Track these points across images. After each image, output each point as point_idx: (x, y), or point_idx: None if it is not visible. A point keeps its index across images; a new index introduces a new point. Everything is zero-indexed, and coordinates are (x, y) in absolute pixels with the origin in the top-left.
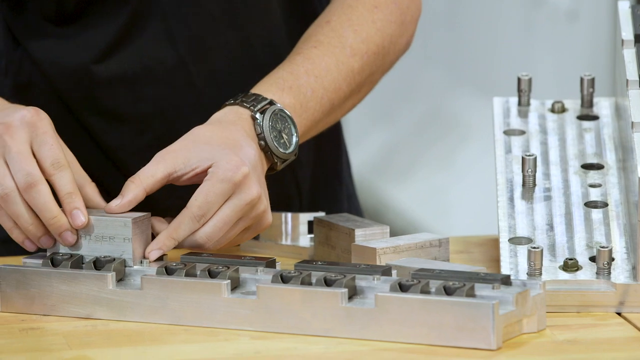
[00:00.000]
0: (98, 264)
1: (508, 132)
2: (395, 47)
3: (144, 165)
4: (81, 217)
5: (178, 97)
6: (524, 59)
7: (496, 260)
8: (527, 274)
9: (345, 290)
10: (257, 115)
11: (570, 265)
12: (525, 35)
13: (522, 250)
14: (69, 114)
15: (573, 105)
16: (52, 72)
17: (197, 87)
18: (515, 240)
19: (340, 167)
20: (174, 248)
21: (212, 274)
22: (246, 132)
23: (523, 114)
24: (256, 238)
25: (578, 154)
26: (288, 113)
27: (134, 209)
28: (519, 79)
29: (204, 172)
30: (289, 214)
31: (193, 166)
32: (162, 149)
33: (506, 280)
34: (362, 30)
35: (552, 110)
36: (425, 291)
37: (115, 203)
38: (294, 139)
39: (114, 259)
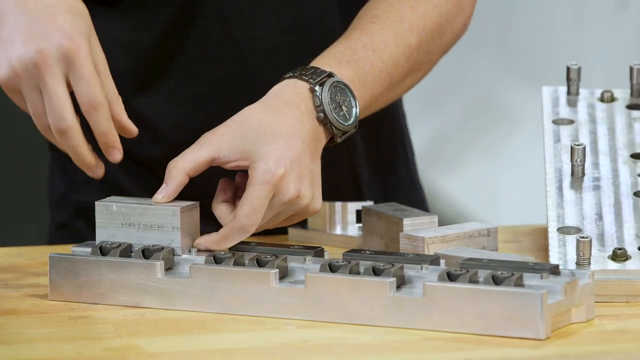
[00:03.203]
0: (147, 253)
1: (557, 122)
2: (452, 25)
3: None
4: (117, 154)
5: (230, 77)
6: (573, 48)
7: (545, 250)
8: (575, 263)
9: (394, 279)
10: (316, 88)
11: (619, 255)
12: (574, 24)
13: (571, 240)
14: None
15: (622, 94)
16: (109, 54)
17: (249, 67)
18: (564, 230)
19: (397, 155)
20: None
21: (260, 263)
22: (301, 110)
23: (572, 103)
24: (304, 227)
25: (627, 143)
26: (347, 85)
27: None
28: (568, 68)
29: (245, 167)
30: (338, 203)
31: (236, 157)
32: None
33: (555, 270)
34: (419, 6)
35: (602, 100)
36: (473, 281)
37: (160, 195)
38: (354, 111)
39: (163, 248)
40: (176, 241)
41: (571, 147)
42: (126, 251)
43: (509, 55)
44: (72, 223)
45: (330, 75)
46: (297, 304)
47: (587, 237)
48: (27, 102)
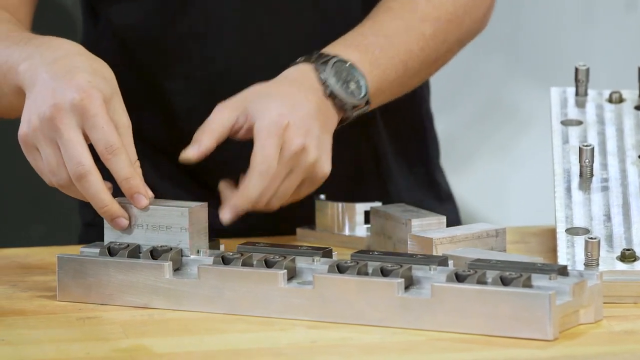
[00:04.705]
0: (155, 254)
1: (565, 123)
2: (470, 17)
3: None
4: (143, 200)
5: (248, 59)
6: (582, 49)
7: (553, 251)
8: (584, 264)
9: (402, 280)
10: (320, 67)
11: (628, 256)
12: (583, 25)
13: (579, 241)
14: (142, 84)
15: (631, 95)
16: (127, 36)
17: (268, 48)
18: (572, 231)
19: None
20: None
21: (268, 264)
22: (305, 86)
23: (580, 104)
24: (312, 228)
25: (636, 144)
26: (352, 63)
27: (194, 194)
28: (576, 69)
29: (251, 132)
30: (345, 204)
31: (249, 117)
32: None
33: (563, 271)
34: None
35: (610, 101)
36: (481, 281)
37: (192, 151)
38: (364, 89)
39: (171, 249)
40: (184, 242)
41: (579, 148)
42: (134, 252)
43: (517, 56)
44: (99, 221)
45: (335, 56)
46: (305, 304)
47: (595, 238)
48: (43, 157)
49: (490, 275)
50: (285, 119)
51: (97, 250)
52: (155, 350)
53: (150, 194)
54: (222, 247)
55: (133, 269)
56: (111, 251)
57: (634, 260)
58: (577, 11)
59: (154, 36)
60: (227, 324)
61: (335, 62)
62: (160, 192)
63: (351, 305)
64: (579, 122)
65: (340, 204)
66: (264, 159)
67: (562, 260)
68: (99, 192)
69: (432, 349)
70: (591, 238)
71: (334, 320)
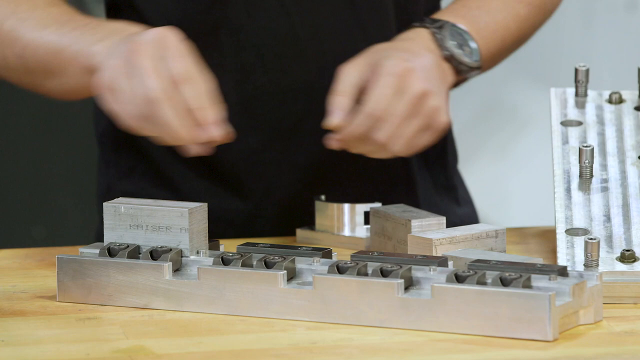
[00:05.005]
0: (155, 254)
1: (565, 123)
2: (552, 3)
3: (243, 117)
4: (217, 129)
5: (279, 47)
6: (582, 50)
7: (553, 252)
8: (583, 265)
9: (402, 281)
10: (436, 30)
11: (628, 257)
12: (583, 26)
13: (579, 242)
14: None
15: (631, 96)
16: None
17: (299, 38)
18: (572, 232)
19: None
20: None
21: (268, 265)
22: (426, 45)
23: (580, 104)
24: (312, 229)
25: (635, 145)
26: (465, 29)
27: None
28: (576, 70)
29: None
30: (346, 205)
31: (374, 68)
32: (261, 100)
33: (563, 272)
34: None
35: (610, 101)
36: (481, 282)
37: (335, 117)
38: (476, 51)
39: (171, 249)
40: (184, 242)
41: (579, 149)
42: (134, 252)
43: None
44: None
45: (448, 22)
46: (305, 305)
47: (595, 239)
48: (121, 91)
49: (490, 276)
50: (408, 63)
51: (97, 251)
52: (155, 351)
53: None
54: (221, 248)
55: (133, 269)
56: (111, 252)
57: (634, 261)
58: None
59: (185, 25)
60: (227, 325)
61: (451, 27)
62: (187, 185)
63: (351, 306)
64: (579, 123)
65: (340, 205)
66: (378, 99)
67: (561, 261)
68: (172, 120)
69: (433, 350)
70: (591, 239)
71: (334, 321)
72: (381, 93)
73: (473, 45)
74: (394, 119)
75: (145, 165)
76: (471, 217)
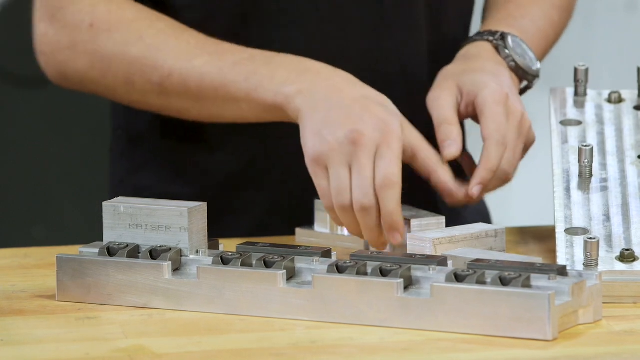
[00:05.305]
0: (154, 254)
1: (565, 123)
2: (573, 7)
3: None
4: (398, 237)
5: (307, 41)
6: (582, 50)
7: (552, 251)
8: (583, 264)
9: (401, 280)
10: (500, 43)
11: (627, 256)
12: (582, 25)
13: (579, 241)
14: None
15: (630, 95)
16: (177, 16)
17: (327, 34)
18: (571, 231)
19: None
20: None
21: (267, 264)
22: (494, 60)
23: (580, 104)
24: (311, 228)
25: (635, 144)
26: (521, 39)
27: None
28: (575, 70)
29: (473, 102)
30: None
31: (465, 94)
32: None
33: (562, 271)
34: None
35: (609, 101)
36: (481, 282)
37: (453, 148)
38: (535, 59)
39: (170, 249)
40: (184, 242)
41: (579, 148)
42: (134, 252)
43: None
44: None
45: (506, 32)
46: (304, 305)
47: (594, 238)
48: (332, 177)
49: (490, 275)
50: (504, 89)
51: (97, 250)
52: (154, 351)
53: (403, 234)
54: (221, 247)
55: (132, 269)
56: (110, 251)
57: (633, 261)
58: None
59: (213, 15)
60: (226, 325)
61: (512, 37)
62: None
63: (351, 305)
64: (578, 122)
65: None
66: (498, 127)
67: (561, 260)
68: (376, 227)
69: (432, 350)
70: (590, 238)
71: (334, 320)
72: (499, 122)
73: (531, 53)
74: (512, 145)
75: (159, 160)
76: (483, 215)
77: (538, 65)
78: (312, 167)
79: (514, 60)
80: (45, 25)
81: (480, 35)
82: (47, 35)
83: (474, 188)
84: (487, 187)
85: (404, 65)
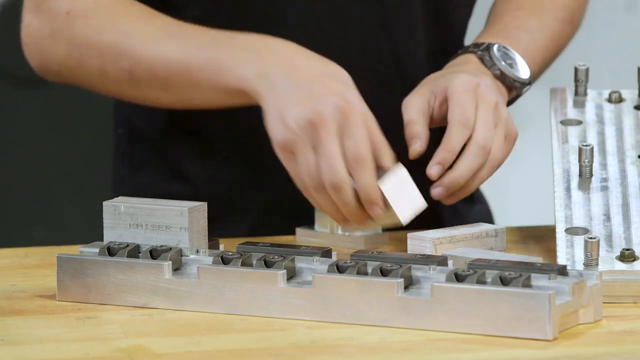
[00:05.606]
0: (154, 253)
1: (565, 122)
2: (579, 19)
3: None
4: (378, 210)
5: (307, 42)
6: (582, 50)
7: (552, 251)
8: (583, 264)
9: (401, 280)
10: (483, 53)
11: (627, 256)
12: (583, 25)
13: (579, 241)
14: None
15: (630, 95)
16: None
17: (326, 34)
18: (571, 231)
19: None
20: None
21: (267, 264)
22: (476, 68)
23: (580, 104)
24: (312, 228)
25: (635, 144)
26: (510, 48)
27: None
28: (576, 69)
29: (446, 97)
30: None
31: (438, 94)
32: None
33: (562, 271)
34: None
35: (609, 100)
36: (481, 281)
37: (417, 145)
38: (525, 66)
39: (171, 249)
40: (184, 242)
41: (579, 148)
42: (134, 252)
43: None
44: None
45: (495, 42)
46: (305, 304)
47: (595, 238)
48: (300, 161)
49: (490, 275)
50: (475, 79)
51: (97, 250)
52: (154, 350)
53: (382, 207)
54: (221, 247)
55: (132, 268)
56: (110, 251)
57: (634, 260)
58: None
59: (212, 16)
60: (227, 324)
61: (497, 47)
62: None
63: (351, 305)
64: (579, 122)
65: None
66: (463, 110)
67: (561, 260)
68: (351, 203)
69: (433, 349)
70: (591, 238)
71: (334, 320)
72: (464, 105)
73: (520, 61)
74: (488, 125)
75: (159, 158)
76: (486, 216)
77: (528, 73)
78: (280, 153)
79: (498, 69)
80: (31, 16)
81: (466, 49)
82: (30, 26)
83: (432, 168)
84: (480, 174)
85: (403, 65)
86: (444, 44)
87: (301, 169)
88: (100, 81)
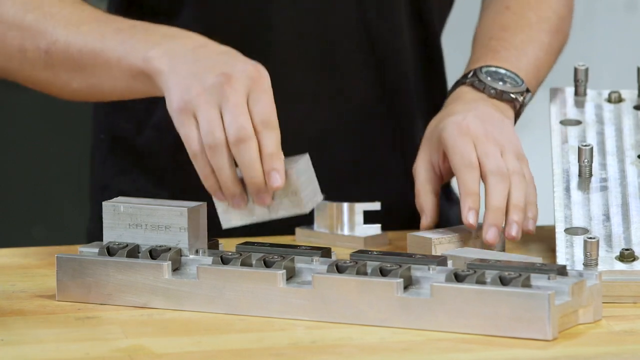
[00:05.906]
0: (154, 254)
1: (564, 122)
2: (567, 28)
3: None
4: (278, 179)
5: (286, 47)
6: (582, 50)
7: (552, 251)
8: (583, 264)
9: (401, 280)
10: (471, 79)
11: (627, 256)
12: (583, 25)
13: (578, 241)
14: None
15: (630, 95)
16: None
17: (308, 35)
18: (571, 231)
19: None
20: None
21: (267, 264)
22: (468, 99)
23: (579, 104)
24: (311, 228)
25: (635, 144)
26: (499, 66)
27: None
28: (575, 69)
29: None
30: (345, 204)
31: (437, 146)
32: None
33: (562, 271)
34: (541, 10)
35: (609, 100)
36: (480, 281)
37: (424, 224)
38: (518, 78)
39: (170, 249)
40: (183, 242)
41: (578, 148)
42: (133, 252)
43: None
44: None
45: (477, 67)
46: (304, 304)
47: (594, 238)
48: (202, 119)
49: (490, 275)
50: (462, 119)
51: (96, 250)
52: (154, 351)
53: (282, 176)
54: (221, 247)
55: (132, 268)
56: (110, 251)
57: (633, 260)
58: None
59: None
60: (226, 324)
61: (483, 69)
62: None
63: (351, 305)
64: (578, 122)
65: (339, 204)
66: (462, 155)
67: (561, 260)
68: (254, 160)
69: (433, 349)
70: (590, 238)
71: (334, 320)
72: (461, 150)
73: (510, 74)
74: (494, 153)
75: (142, 163)
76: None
77: (521, 83)
78: (178, 116)
79: (493, 88)
80: None
81: (457, 82)
82: None
83: (468, 215)
84: (528, 199)
85: (388, 63)
86: (427, 40)
87: (201, 127)
88: (19, 62)
